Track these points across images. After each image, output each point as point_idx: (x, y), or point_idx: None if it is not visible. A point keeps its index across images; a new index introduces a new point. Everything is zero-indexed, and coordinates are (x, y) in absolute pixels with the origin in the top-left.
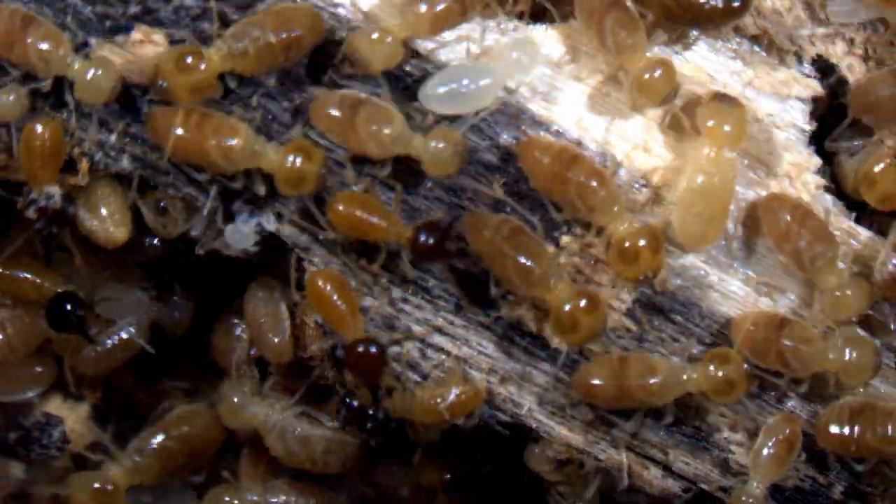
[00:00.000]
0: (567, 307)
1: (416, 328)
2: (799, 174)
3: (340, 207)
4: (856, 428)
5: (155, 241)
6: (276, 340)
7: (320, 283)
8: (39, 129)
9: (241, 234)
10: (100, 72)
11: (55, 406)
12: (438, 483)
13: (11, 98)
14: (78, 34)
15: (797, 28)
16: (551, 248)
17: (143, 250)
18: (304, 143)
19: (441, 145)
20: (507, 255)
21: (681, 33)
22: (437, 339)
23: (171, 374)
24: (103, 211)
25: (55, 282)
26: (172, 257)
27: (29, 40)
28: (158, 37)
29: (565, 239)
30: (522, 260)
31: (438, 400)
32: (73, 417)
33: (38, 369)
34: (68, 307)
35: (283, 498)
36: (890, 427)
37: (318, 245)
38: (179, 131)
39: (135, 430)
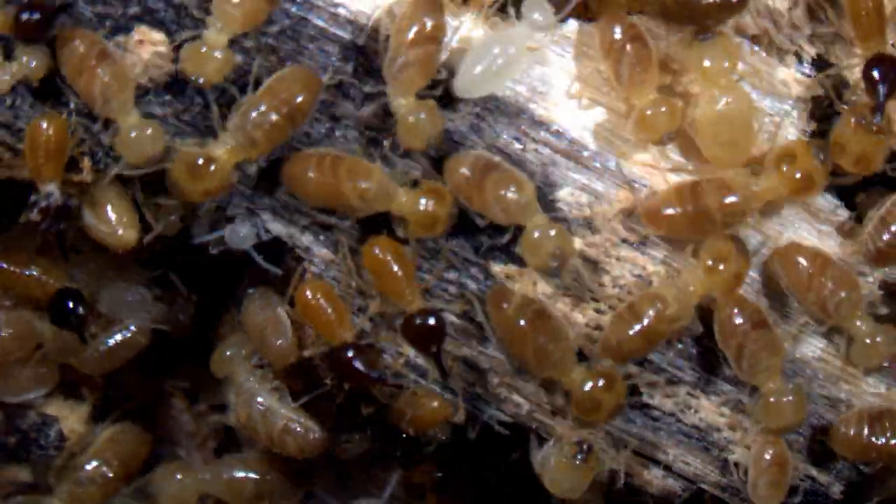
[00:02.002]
0: (587, 388)
1: None
2: None
3: (376, 251)
4: (876, 433)
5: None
6: (279, 343)
7: (309, 293)
8: (45, 124)
9: (240, 236)
10: (148, 132)
11: (55, 406)
12: (429, 482)
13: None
14: None
15: (797, 28)
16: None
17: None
18: (436, 186)
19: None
20: (527, 338)
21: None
22: None
23: (172, 374)
24: (111, 215)
25: (60, 280)
26: (174, 257)
27: (98, 71)
28: (159, 36)
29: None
30: (542, 342)
31: (406, 414)
32: (73, 417)
33: (41, 371)
34: (70, 304)
35: (239, 473)
36: None
37: (319, 245)
38: (314, 175)
39: None
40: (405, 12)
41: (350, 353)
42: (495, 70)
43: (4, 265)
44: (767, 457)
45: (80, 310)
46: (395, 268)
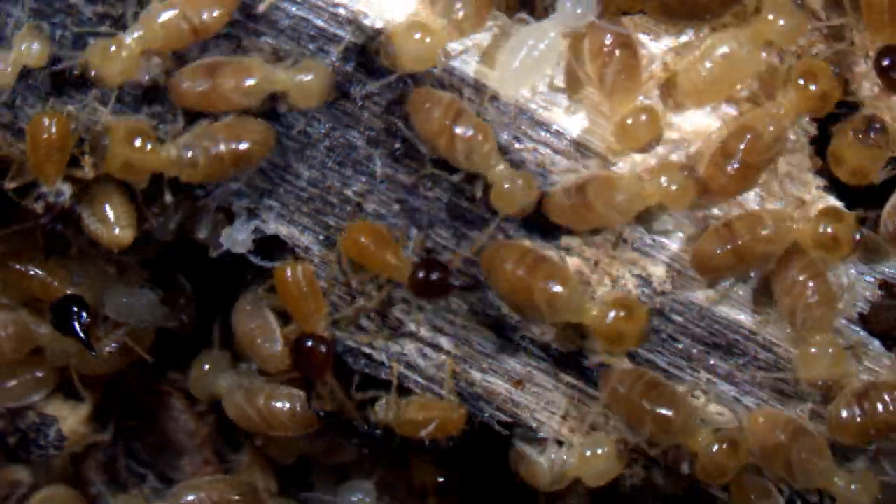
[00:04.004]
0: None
1: (416, 328)
2: (799, 174)
3: (354, 236)
4: (867, 409)
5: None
6: (270, 351)
7: (289, 274)
8: (46, 121)
9: (237, 241)
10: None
11: (55, 406)
12: (431, 484)
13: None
14: (78, 34)
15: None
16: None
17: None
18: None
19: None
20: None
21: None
22: (438, 339)
23: (172, 373)
24: (109, 213)
25: (64, 282)
26: (175, 257)
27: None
28: None
29: (566, 239)
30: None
31: (420, 421)
32: (73, 418)
33: (39, 374)
34: (74, 311)
35: (193, 496)
36: None
37: (319, 245)
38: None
39: (135, 431)
40: None
41: (310, 344)
42: (532, 62)
43: (10, 263)
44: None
45: (84, 316)
46: (306, 290)
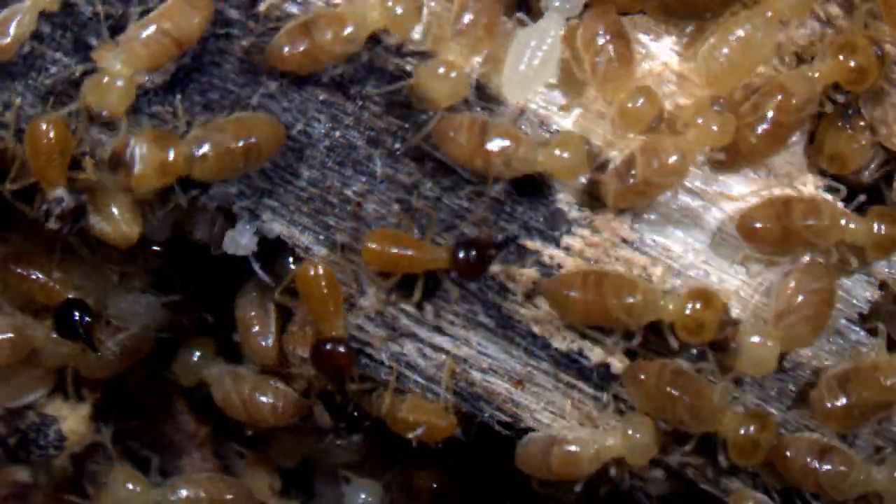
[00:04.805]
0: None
1: (416, 328)
2: (799, 174)
3: (373, 245)
4: (852, 394)
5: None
6: (261, 343)
7: (311, 274)
8: (44, 126)
9: (240, 244)
10: None
11: (55, 406)
12: (427, 490)
13: None
14: (78, 34)
15: (797, 28)
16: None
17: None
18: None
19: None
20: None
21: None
22: (437, 339)
23: (172, 374)
24: (114, 211)
25: (65, 286)
26: (175, 258)
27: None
28: None
29: (566, 239)
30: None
31: (410, 422)
32: (73, 418)
33: (38, 373)
34: (77, 315)
35: (186, 491)
36: (883, 378)
37: (319, 245)
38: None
39: (135, 431)
40: None
41: (329, 347)
42: (537, 65)
43: (12, 267)
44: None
45: (87, 320)
46: (325, 291)
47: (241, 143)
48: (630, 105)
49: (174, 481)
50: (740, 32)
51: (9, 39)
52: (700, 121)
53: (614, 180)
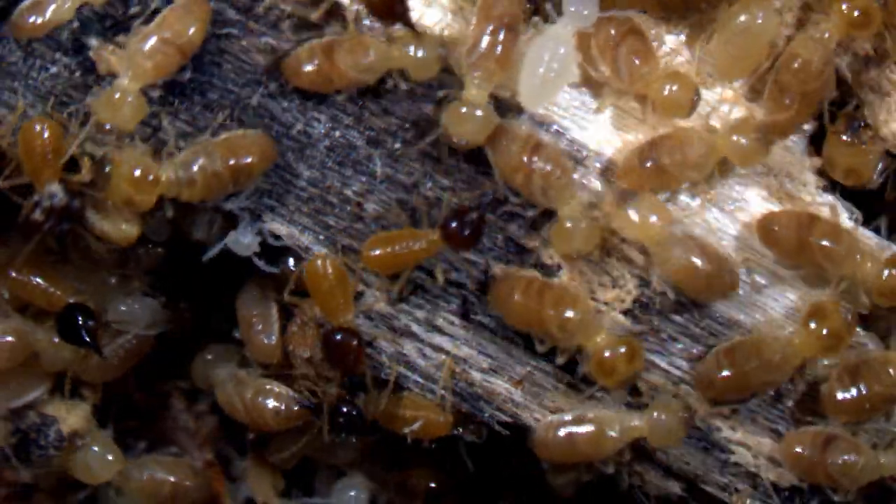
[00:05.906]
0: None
1: (416, 328)
2: (799, 174)
3: (374, 252)
4: (861, 386)
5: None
6: (264, 342)
7: (319, 267)
8: (38, 127)
9: (242, 244)
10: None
11: (55, 406)
12: (422, 491)
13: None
14: (78, 35)
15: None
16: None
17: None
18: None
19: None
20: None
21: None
22: (437, 339)
23: (172, 374)
24: (114, 210)
25: (66, 291)
26: (173, 259)
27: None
28: None
29: None
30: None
31: (406, 418)
32: (73, 417)
33: (38, 371)
34: (80, 320)
35: (158, 474)
36: (892, 370)
37: (319, 245)
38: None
39: (135, 431)
40: None
41: (340, 338)
42: (554, 73)
43: (13, 273)
44: None
45: (90, 324)
46: (335, 283)
47: (229, 164)
48: (667, 92)
49: (143, 460)
50: (742, 20)
51: (43, 20)
52: (734, 136)
53: (633, 156)
